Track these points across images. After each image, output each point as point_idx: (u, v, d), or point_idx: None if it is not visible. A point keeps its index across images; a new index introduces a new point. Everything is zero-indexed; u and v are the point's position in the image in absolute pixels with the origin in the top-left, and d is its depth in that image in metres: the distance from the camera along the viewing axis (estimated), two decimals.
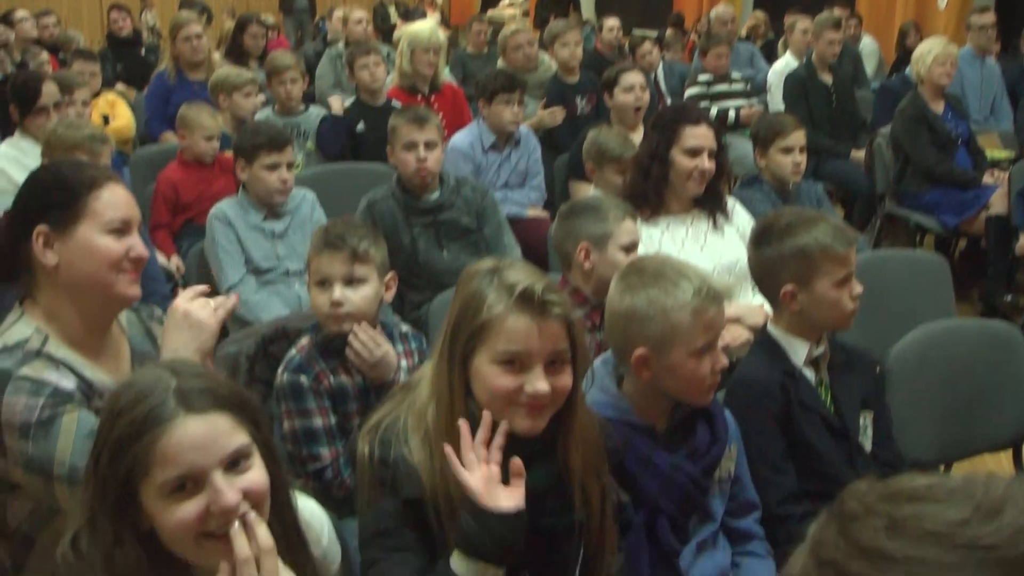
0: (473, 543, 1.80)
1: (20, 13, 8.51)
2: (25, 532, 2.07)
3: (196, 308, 2.15)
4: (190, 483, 1.54)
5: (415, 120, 4.13)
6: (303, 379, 2.66)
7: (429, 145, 4.07)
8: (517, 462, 1.84)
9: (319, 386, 2.67)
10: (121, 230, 2.15)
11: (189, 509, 1.53)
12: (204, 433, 1.55)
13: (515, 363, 1.88)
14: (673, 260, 2.36)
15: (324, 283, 2.68)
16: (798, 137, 4.35)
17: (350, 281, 2.69)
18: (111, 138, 4.36)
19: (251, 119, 5.53)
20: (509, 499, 1.81)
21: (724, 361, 2.26)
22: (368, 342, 2.65)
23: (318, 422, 2.65)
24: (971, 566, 0.78)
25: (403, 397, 2.03)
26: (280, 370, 2.70)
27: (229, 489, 1.54)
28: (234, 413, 1.60)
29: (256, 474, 1.60)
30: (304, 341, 2.73)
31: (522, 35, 6.80)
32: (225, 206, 4.07)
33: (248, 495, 1.56)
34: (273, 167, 4.01)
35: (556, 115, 6.08)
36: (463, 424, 1.85)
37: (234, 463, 1.57)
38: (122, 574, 1.54)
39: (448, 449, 1.83)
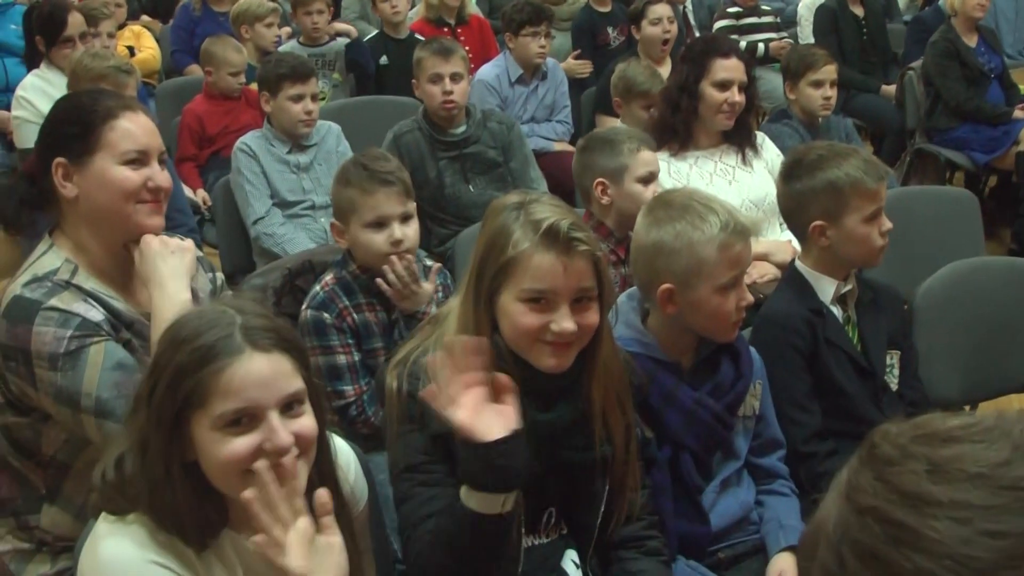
0: (476, 477, 1.79)
1: None
2: (61, 460, 2.10)
3: (164, 238, 2.14)
4: (246, 419, 1.55)
5: (440, 52, 4.10)
6: (325, 316, 2.66)
7: (455, 77, 4.05)
8: (502, 377, 1.81)
9: (342, 323, 2.67)
10: (138, 160, 2.12)
11: (242, 444, 1.54)
12: (268, 371, 1.56)
13: (541, 301, 1.88)
14: (701, 193, 2.34)
15: (381, 223, 2.65)
16: (829, 71, 4.30)
17: (406, 218, 2.69)
18: (137, 69, 4.35)
19: (274, 50, 5.51)
20: (501, 424, 1.77)
21: (749, 298, 2.26)
22: (404, 275, 2.64)
23: (342, 359, 2.66)
24: (1016, 508, 0.77)
25: (431, 331, 2.02)
26: (303, 306, 2.70)
27: (284, 430, 1.56)
28: (293, 356, 1.61)
29: (308, 420, 1.61)
30: (328, 277, 2.73)
31: None
32: (249, 139, 4.06)
33: (298, 439, 1.58)
34: (297, 98, 4.00)
35: (585, 67, 6.00)
36: (439, 355, 1.80)
37: (289, 406, 1.58)
38: (166, 501, 1.55)
39: (428, 392, 1.79)
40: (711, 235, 2.17)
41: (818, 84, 4.28)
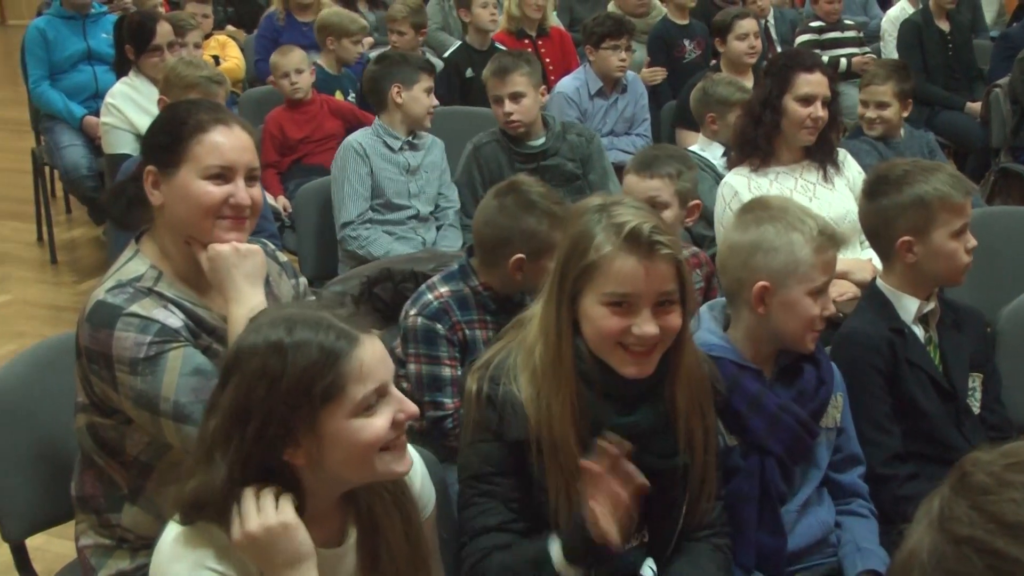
0: (579, 559, 1.88)
1: None
2: (144, 461, 2.14)
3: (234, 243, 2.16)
4: (377, 397, 1.61)
5: (498, 72, 4.15)
6: (438, 327, 2.68)
7: (514, 97, 4.07)
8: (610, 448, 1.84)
9: (453, 336, 2.69)
10: (222, 176, 2.13)
11: (381, 421, 1.61)
12: (382, 349, 1.66)
13: (623, 304, 1.88)
14: (794, 201, 2.37)
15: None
16: (876, 91, 4.28)
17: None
18: (227, 79, 4.42)
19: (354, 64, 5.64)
20: (616, 536, 1.82)
21: (832, 308, 2.26)
22: None
23: (446, 371, 2.68)
24: None
25: (513, 335, 2.05)
26: (413, 312, 2.71)
27: (406, 397, 1.65)
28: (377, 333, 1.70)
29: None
30: (443, 289, 2.73)
31: None
32: (361, 136, 4.14)
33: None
34: (429, 91, 4.13)
35: (657, 74, 5.99)
36: (588, 465, 1.84)
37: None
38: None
39: (593, 506, 1.82)
40: (810, 236, 2.19)
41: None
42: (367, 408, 1.60)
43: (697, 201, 3.13)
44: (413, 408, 1.64)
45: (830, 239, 2.23)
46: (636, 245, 1.86)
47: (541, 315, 1.98)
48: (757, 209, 2.29)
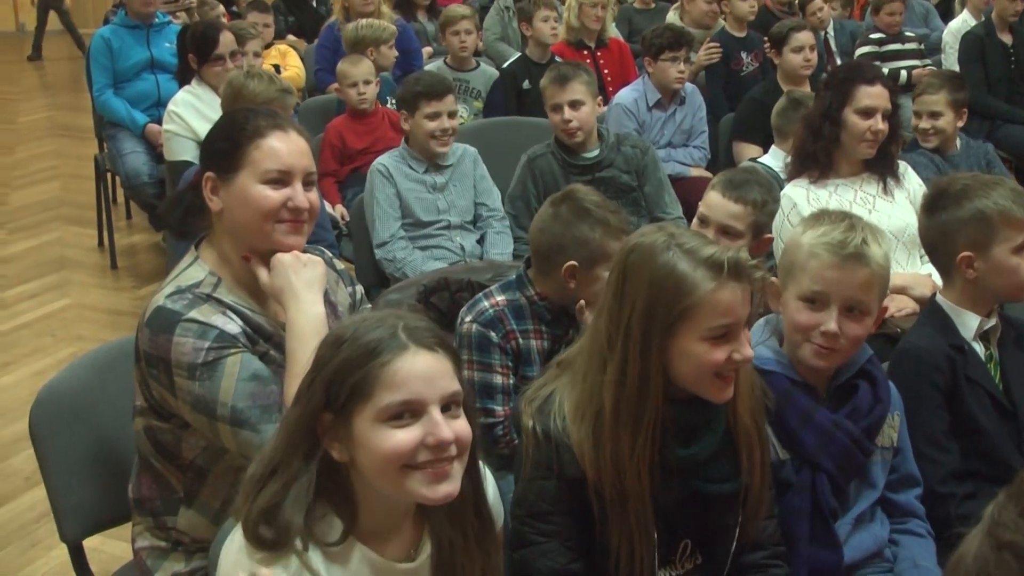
0: None
1: None
2: (200, 465, 2.16)
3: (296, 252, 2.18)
4: (409, 413, 1.59)
5: (557, 80, 4.13)
6: (492, 334, 2.68)
7: (574, 104, 4.07)
8: None
9: (506, 344, 2.69)
10: (280, 180, 2.15)
11: (405, 437, 1.58)
12: (432, 367, 1.62)
13: (726, 335, 1.88)
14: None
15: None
16: (928, 100, 4.25)
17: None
18: (294, 89, 4.44)
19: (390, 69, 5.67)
20: None
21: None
22: None
23: (498, 379, 2.69)
24: None
25: (557, 374, 2.03)
26: (468, 319, 2.72)
27: (446, 425, 1.60)
28: (452, 359, 1.67)
29: (464, 423, 1.65)
30: (500, 297, 2.74)
31: None
32: (387, 159, 4.13)
33: (457, 440, 1.62)
34: (434, 116, 4.05)
35: (713, 53, 5.97)
36: None
37: (447, 407, 1.63)
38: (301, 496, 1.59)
39: None
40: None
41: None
42: (394, 418, 1.58)
43: (769, 236, 3.05)
44: (444, 435, 1.59)
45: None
46: (736, 276, 1.87)
47: (616, 366, 1.90)
48: (823, 216, 2.30)
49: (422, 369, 1.60)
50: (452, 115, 4.13)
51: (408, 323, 1.64)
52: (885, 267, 2.21)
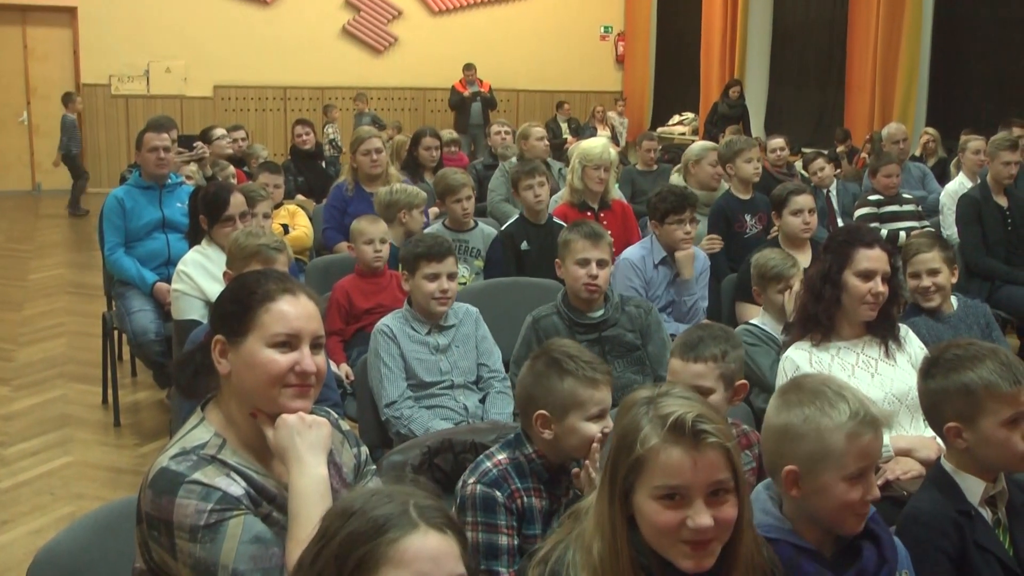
0: None
1: (218, 131, 8.98)
2: None
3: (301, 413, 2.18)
4: None
5: (591, 236, 4.19)
6: (498, 494, 2.66)
7: (601, 263, 4.13)
8: None
9: (512, 504, 2.67)
10: (288, 344, 2.17)
11: None
12: (441, 549, 1.62)
13: (675, 497, 1.86)
14: (834, 380, 2.33)
15: (601, 416, 2.70)
16: (925, 259, 4.29)
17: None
18: (287, 245, 4.52)
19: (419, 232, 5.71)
20: None
21: (876, 492, 2.21)
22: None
23: (503, 540, 2.65)
24: None
25: (570, 526, 2.02)
26: (471, 480, 2.70)
27: None
28: (460, 541, 1.66)
29: None
30: (501, 456, 2.74)
31: (713, 154, 6.70)
32: (390, 320, 4.16)
33: None
34: (433, 277, 4.11)
35: (716, 243, 6.06)
36: None
37: None
38: None
39: None
40: (840, 422, 2.16)
41: (914, 275, 4.27)
42: None
43: (743, 382, 3.08)
44: None
45: (868, 423, 2.17)
46: (680, 435, 1.85)
47: (595, 511, 1.95)
48: (790, 392, 2.27)
49: (431, 550, 1.60)
50: (452, 276, 4.17)
51: (419, 501, 1.64)
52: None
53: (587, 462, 2.64)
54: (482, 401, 4.14)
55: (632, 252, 5.30)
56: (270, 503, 2.16)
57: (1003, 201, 6.66)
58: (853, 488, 2.15)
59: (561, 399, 2.67)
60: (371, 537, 1.58)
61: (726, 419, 2.87)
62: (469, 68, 16.18)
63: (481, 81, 16.20)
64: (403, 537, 1.59)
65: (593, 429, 2.67)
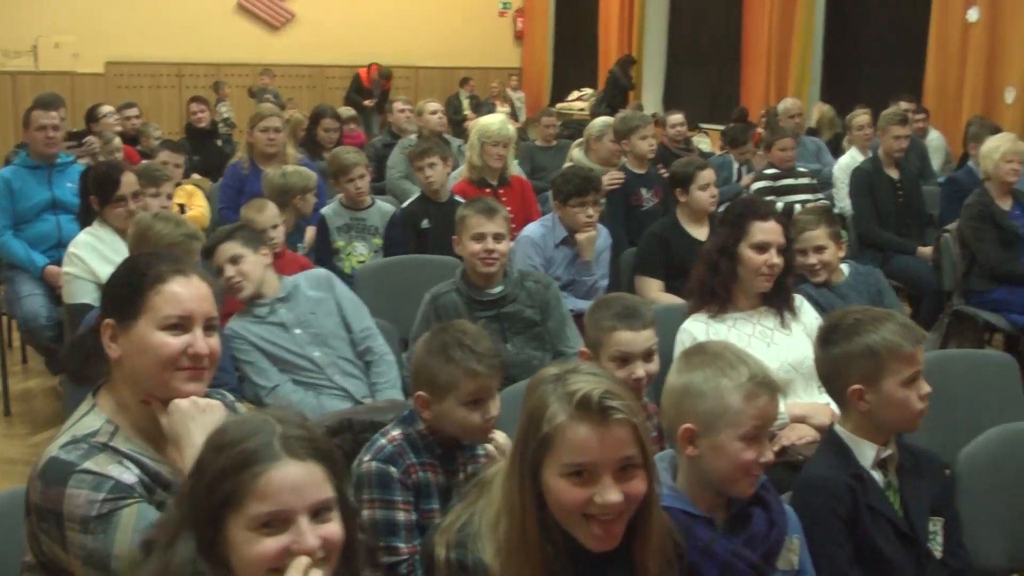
0: None
1: (104, 108, 8.76)
2: None
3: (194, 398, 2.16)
4: (277, 522, 1.67)
5: (485, 211, 4.17)
6: (392, 470, 2.65)
7: (497, 237, 4.11)
8: None
9: (407, 479, 2.66)
10: (180, 326, 2.14)
11: (271, 545, 1.66)
12: (301, 478, 1.69)
13: (583, 474, 1.86)
14: (735, 346, 2.38)
15: (478, 402, 2.68)
16: (811, 236, 4.34)
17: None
18: (202, 234, 4.40)
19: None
20: None
21: (770, 455, 2.25)
22: (504, 446, 2.66)
23: (401, 516, 2.64)
24: None
25: (477, 496, 2.02)
26: (367, 458, 2.69)
27: (311, 534, 1.68)
28: (326, 466, 1.73)
29: (335, 527, 1.72)
30: (395, 432, 2.73)
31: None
32: (231, 323, 3.98)
33: (325, 543, 1.69)
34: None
35: (616, 178, 6.10)
36: None
37: (317, 513, 1.70)
38: None
39: None
40: (739, 383, 2.21)
41: (802, 252, 4.30)
42: (263, 526, 1.66)
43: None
44: (309, 545, 1.65)
45: (765, 386, 2.22)
46: (587, 412, 1.85)
47: (504, 489, 1.95)
48: (693, 355, 2.33)
49: (292, 481, 1.68)
50: (235, 260, 3.99)
51: (286, 430, 1.72)
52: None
53: (494, 449, 2.66)
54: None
55: (533, 229, 5.29)
56: (165, 490, 2.12)
57: (894, 173, 6.82)
58: (748, 448, 2.20)
59: (438, 382, 2.67)
60: (237, 471, 1.66)
61: (639, 395, 2.91)
62: (385, 76, 15.88)
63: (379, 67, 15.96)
64: (265, 471, 1.67)
65: (470, 417, 2.67)
